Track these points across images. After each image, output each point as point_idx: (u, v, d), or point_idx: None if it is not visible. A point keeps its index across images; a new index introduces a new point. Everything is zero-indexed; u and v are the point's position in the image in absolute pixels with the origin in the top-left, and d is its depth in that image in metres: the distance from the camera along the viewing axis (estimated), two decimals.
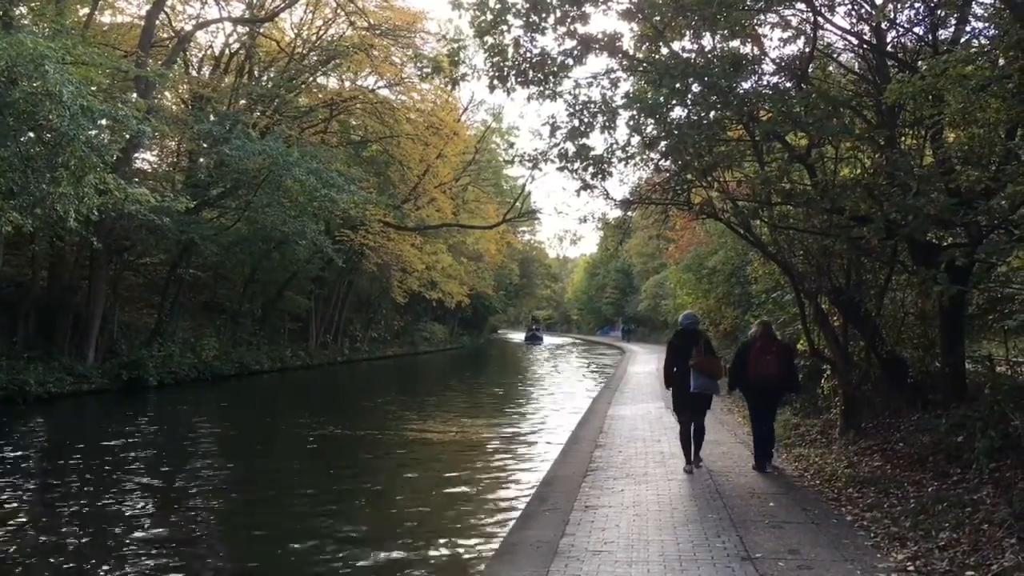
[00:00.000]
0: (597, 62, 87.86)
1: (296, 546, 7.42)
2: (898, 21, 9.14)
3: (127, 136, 17.18)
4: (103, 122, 15.31)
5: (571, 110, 9.21)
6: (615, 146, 9.28)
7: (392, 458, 12.34)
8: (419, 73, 29.31)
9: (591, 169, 9.33)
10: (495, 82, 9.30)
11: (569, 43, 8.90)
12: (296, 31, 29.17)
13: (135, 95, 19.41)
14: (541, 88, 9.30)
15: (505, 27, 8.96)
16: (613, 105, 9.01)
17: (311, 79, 29.26)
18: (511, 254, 62.50)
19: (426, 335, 51.85)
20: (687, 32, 8.93)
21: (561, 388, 25.70)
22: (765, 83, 9.02)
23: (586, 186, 9.63)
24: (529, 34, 8.96)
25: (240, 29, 27.85)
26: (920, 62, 8.79)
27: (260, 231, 24.45)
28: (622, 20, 9.12)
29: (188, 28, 25.94)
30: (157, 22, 23.24)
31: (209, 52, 29.89)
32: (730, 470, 8.89)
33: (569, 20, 8.78)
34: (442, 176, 34.37)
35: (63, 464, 11.26)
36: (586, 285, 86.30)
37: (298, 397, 23.88)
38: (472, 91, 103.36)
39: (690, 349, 8.74)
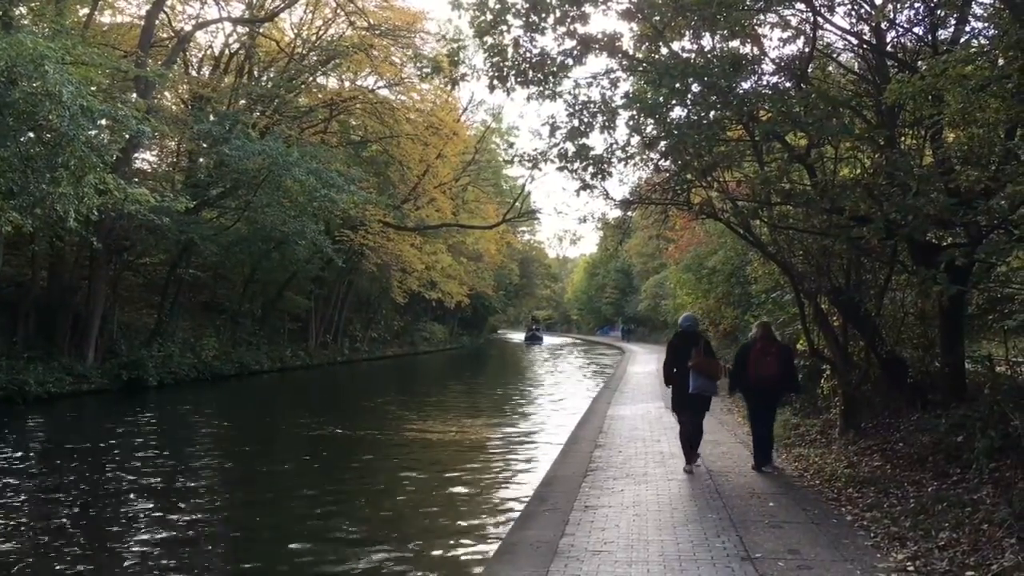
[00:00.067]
0: (597, 62, 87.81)
1: (296, 546, 7.42)
2: (898, 21, 9.16)
3: (127, 136, 17.17)
4: (103, 122, 15.31)
5: (571, 110, 9.22)
6: (615, 146, 9.29)
7: (392, 458, 12.34)
8: (419, 73, 29.36)
9: (591, 169, 9.34)
10: (495, 82, 9.31)
11: (569, 43, 8.91)
12: (296, 31, 29.19)
13: (135, 95, 19.39)
14: (541, 88, 9.30)
15: (505, 27, 8.97)
16: (613, 105, 9.02)
17: (311, 79, 29.26)
18: (511, 254, 62.50)
19: (426, 335, 51.85)
20: (687, 32, 8.93)
21: (561, 388, 25.70)
22: (765, 83, 9.03)
23: (586, 186, 9.63)
24: (529, 34, 8.97)
25: (240, 29, 27.86)
26: (920, 62, 8.79)
27: (260, 231, 24.44)
28: (622, 20, 9.13)
29: (188, 28, 25.95)
30: (157, 22, 23.23)
31: (209, 52, 29.94)
32: (730, 470, 8.89)
33: (569, 20, 8.78)
34: (442, 176, 34.38)
35: (62, 464, 11.25)
36: (586, 285, 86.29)
37: (298, 397, 23.87)
38: (472, 91, 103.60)
39: (690, 350, 8.76)
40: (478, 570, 6.37)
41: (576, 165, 9.31)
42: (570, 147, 9.20)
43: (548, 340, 76.56)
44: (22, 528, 8.04)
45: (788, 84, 9.09)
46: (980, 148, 7.73)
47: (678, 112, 8.82)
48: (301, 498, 9.63)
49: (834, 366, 10.60)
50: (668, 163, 9.96)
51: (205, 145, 22.89)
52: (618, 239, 14.41)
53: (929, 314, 9.87)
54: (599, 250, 69.47)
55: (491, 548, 6.95)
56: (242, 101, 26.64)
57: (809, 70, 9.27)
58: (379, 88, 31.28)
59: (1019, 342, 10.33)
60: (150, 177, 25.62)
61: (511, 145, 40.52)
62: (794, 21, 9.21)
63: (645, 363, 31.24)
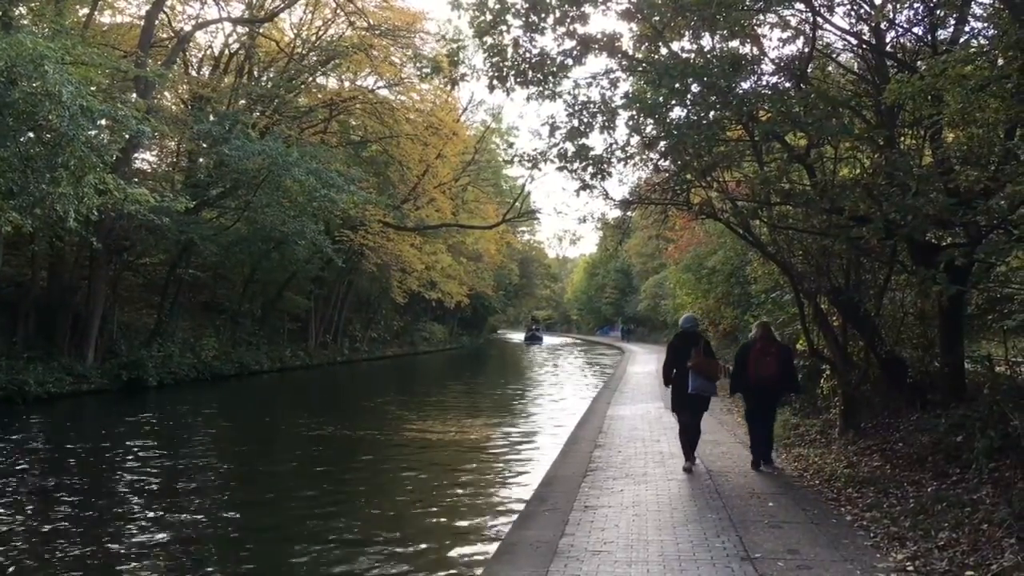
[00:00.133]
0: (596, 62, 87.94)
1: (296, 547, 7.41)
2: (897, 21, 9.16)
3: (127, 136, 17.16)
4: (103, 122, 15.30)
5: (570, 110, 9.23)
6: (614, 146, 9.30)
7: (392, 458, 12.33)
8: (419, 73, 29.35)
9: (591, 169, 9.35)
10: (494, 82, 9.31)
11: (568, 43, 8.92)
12: (295, 31, 29.19)
13: (135, 95, 19.39)
14: (540, 88, 9.31)
15: (504, 27, 8.97)
16: (612, 105, 9.02)
17: (311, 79, 29.26)
18: (511, 254, 62.51)
19: (426, 335, 51.86)
20: (686, 32, 8.93)
21: (561, 388, 25.71)
22: (764, 83, 9.03)
23: (586, 186, 9.64)
24: (528, 34, 8.97)
25: (240, 29, 27.86)
26: (919, 62, 8.79)
27: (260, 231, 24.44)
28: (621, 20, 9.13)
29: (188, 28, 25.94)
30: (157, 22, 23.23)
31: (209, 52, 29.94)
32: (729, 470, 8.90)
33: (568, 20, 8.79)
34: (441, 176, 34.38)
35: (62, 464, 11.26)
36: (586, 285, 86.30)
37: (298, 397, 23.87)
38: (472, 91, 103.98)
39: (689, 350, 8.77)
40: (478, 570, 6.37)
41: (576, 165, 9.32)
42: (570, 147, 9.21)
43: (548, 340, 76.60)
44: (22, 528, 8.04)
45: (788, 84, 9.09)
46: (979, 148, 7.73)
47: (678, 112, 8.83)
48: (301, 498, 9.63)
49: (834, 366, 10.60)
50: (668, 163, 9.97)
51: (205, 145, 22.89)
52: (618, 239, 14.41)
53: (929, 314, 9.87)
54: (599, 250, 69.51)
55: (491, 548, 6.94)
56: (242, 101, 26.63)
57: (809, 70, 9.27)
58: (379, 88, 31.31)
59: (1019, 342, 10.34)
60: (150, 177, 25.62)
61: (511, 145, 40.59)
62: (794, 21, 9.23)
63: (645, 363, 31.25)
